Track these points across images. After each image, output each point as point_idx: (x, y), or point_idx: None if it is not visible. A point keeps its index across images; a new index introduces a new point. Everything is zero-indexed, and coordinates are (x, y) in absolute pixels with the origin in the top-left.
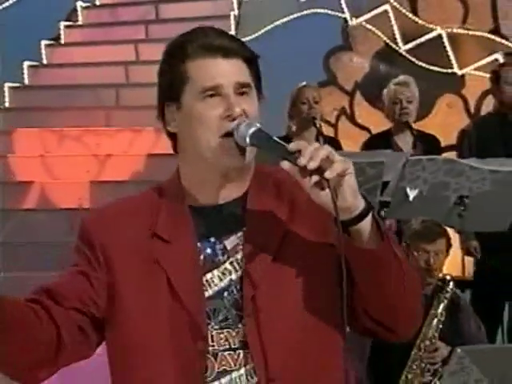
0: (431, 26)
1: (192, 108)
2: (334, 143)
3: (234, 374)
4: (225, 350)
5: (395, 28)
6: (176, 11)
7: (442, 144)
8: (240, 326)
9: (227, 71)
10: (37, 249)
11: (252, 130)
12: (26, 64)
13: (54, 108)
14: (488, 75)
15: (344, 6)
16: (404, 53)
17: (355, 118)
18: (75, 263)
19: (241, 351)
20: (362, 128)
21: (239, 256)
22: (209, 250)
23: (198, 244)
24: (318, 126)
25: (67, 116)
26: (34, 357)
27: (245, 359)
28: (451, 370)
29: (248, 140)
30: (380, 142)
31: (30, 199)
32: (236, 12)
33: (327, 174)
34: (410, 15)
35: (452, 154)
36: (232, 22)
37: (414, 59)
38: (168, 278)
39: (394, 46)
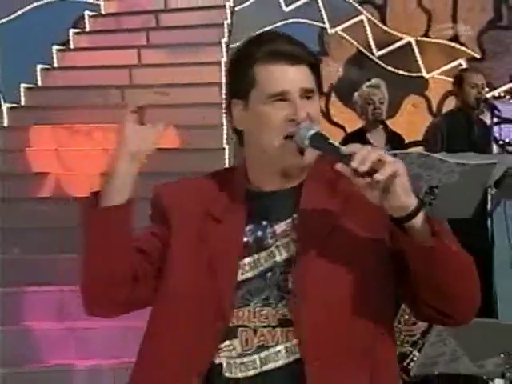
0: (400, 34)
1: (258, 110)
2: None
3: (271, 350)
4: (264, 327)
5: (370, 36)
6: (174, 19)
7: (407, 140)
8: (280, 305)
9: (294, 78)
10: (51, 233)
11: (311, 132)
12: (39, 67)
13: (65, 107)
14: (449, 79)
15: (324, 16)
16: (375, 59)
17: (331, 117)
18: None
19: (278, 329)
20: (337, 126)
21: (285, 240)
22: (260, 233)
23: (251, 226)
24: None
25: (77, 114)
26: (121, 273)
27: (282, 337)
28: (431, 341)
29: (307, 142)
30: (355, 139)
31: (45, 189)
32: (229, 21)
33: (377, 177)
34: (381, 25)
35: (417, 150)
36: (225, 30)
37: (384, 65)
38: (210, 256)
39: (368, 52)
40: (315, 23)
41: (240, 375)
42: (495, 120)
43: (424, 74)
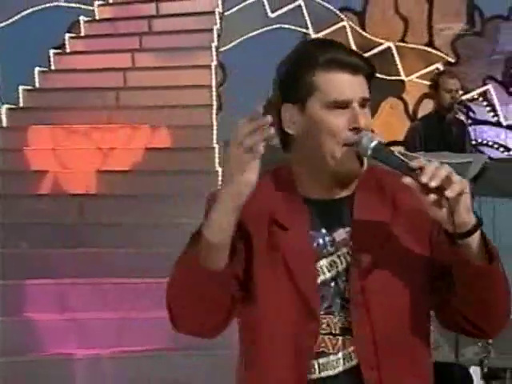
0: (378, 40)
1: (318, 116)
2: None
3: (332, 357)
4: (325, 334)
5: (351, 41)
6: (166, 25)
7: (386, 140)
8: (342, 314)
9: (355, 87)
10: (50, 229)
11: (374, 143)
12: (36, 69)
13: (62, 108)
14: (426, 82)
15: (308, 22)
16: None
17: None
18: None
19: (340, 337)
20: None
21: (345, 250)
22: (320, 240)
23: (312, 233)
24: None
25: (74, 115)
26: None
27: (343, 344)
28: None
29: (370, 152)
30: None
31: (44, 186)
32: (218, 26)
33: (448, 193)
34: (361, 31)
35: (397, 149)
36: (215, 34)
37: None
38: (286, 263)
39: None
40: (299, 29)
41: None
42: (469, 121)
43: (403, 77)
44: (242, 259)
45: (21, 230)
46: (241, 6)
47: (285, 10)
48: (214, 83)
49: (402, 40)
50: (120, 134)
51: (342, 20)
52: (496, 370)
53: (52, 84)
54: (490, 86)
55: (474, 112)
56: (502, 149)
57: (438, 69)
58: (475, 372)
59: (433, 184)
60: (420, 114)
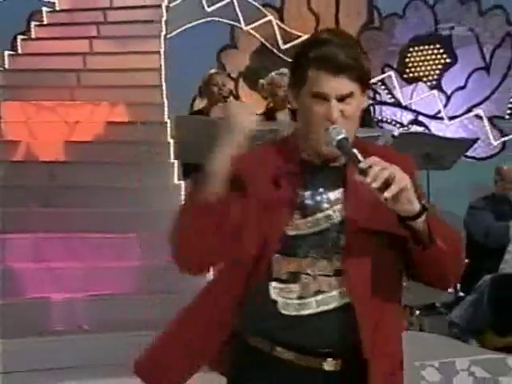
0: (295, 32)
1: (305, 102)
2: None
3: (327, 294)
4: (321, 275)
5: (277, 34)
6: (120, 16)
7: None
8: (334, 258)
9: (333, 84)
10: (24, 191)
11: (340, 137)
12: (6, 53)
13: (30, 86)
14: None
15: (240, 16)
16: (276, 51)
17: (240, 98)
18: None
19: (333, 278)
20: None
21: (339, 207)
22: (318, 198)
23: (310, 192)
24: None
25: (41, 93)
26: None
27: (336, 284)
28: None
29: (335, 143)
30: (265, 115)
31: (18, 154)
32: (165, 17)
33: (385, 195)
34: (281, 24)
35: None
36: (163, 24)
37: (284, 57)
38: (264, 211)
39: (275, 46)
40: (231, 22)
41: (295, 313)
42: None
43: None
44: (238, 210)
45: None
46: None
47: (219, 5)
48: (163, 67)
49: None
50: (83, 109)
51: (265, 16)
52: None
53: (20, 66)
54: (390, 73)
55: (380, 94)
56: (398, 125)
57: None
58: None
59: (374, 186)
60: None
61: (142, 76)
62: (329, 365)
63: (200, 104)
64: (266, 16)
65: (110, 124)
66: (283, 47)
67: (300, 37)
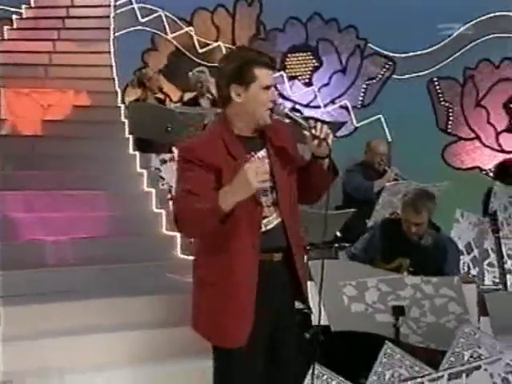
0: (206, 41)
1: (257, 93)
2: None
3: (269, 218)
4: (267, 206)
5: (195, 41)
6: (76, 23)
7: None
8: (269, 195)
9: (271, 78)
10: (13, 158)
11: (286, 110)
12: None
13: (7, 77)
14: None
15: (167, 26)
16: (189, 54)
17: (162, 90)
18: (190, 169)
19: (272, 207)
20: (166, 95)
21: (266, 161)
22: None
23: (247, 155)
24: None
25: (17, 82)
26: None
27: (273, 211)
28: None
29: (284, 114)
30: (191, 103)
31: (5, 129)
32: (113, 25)
33: (322, 135)
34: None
35: None
36: (111, 31)
37: (197, 60)
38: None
39: (192, 50)
40: (157, 32)
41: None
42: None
43: None
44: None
45: None
46: (123, 9)
47: (151, 17)
48: (113, 64)
49: (216, 41)
50: (53, 95)
51: (187, 27)
52: None
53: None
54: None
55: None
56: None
57: None
58: None
59: (319, 134)
60: None
61: (98, 70)
62: (276, 257)
63: (131, 92)
64: (182, 28)
65: (76, 107)
66: (200, 51)
67: (208, 44)
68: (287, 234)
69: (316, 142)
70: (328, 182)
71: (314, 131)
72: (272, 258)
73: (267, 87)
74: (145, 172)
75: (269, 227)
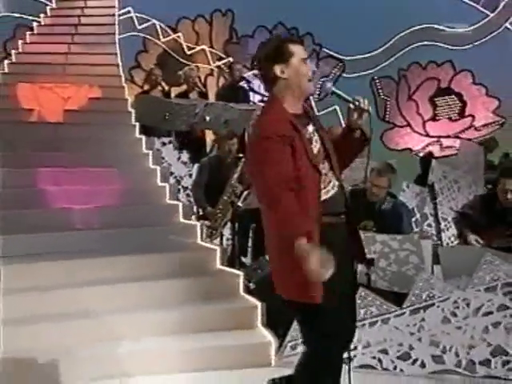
0: (191, 45)
1: (298, 66)
2: (206, 96)
3: (330, 184)
4: (323, 174)
5: (183, 44)
6: (88, 29)
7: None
8: (325, 163)
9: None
10: (39, 141)
11: (333, 88)
12: (13, 52)
13: (31, 74)
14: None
15: (159, 33)
16: (178, 57)
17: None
18: (279, 148)
19: (329, 173)
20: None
21: (316, 133)
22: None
23: (304, 129)
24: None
25: (39, 78)
26: None
27: (331, 176)
28: None
29: (330, 91)
30: (182, 96)
31: (32, 117)
32: (117, 32)
33: (366, 108)
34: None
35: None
36: (116, 36)
37: (183, 60)
38: (305, 148)
39: (177, 52)
40: (151, 38)
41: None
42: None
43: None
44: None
45: (23, 141)
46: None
47: (147, 24)
48: (120, 63)
49: (197, 44)
50: (72, 89)
51: (174, 34)
52: None
53: (23, 60)
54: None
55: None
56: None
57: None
58: None
59: (365, 107)
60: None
61: (108, 68)
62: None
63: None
64: (171, 34)
65: (90, 99)
66: (188, 53)
67: (193, 48)
68: (346, 196)
69: (357, 113)
70: (360, 149)
71: (357, 103)
72: (340, 220)
73: (304, 59)
74: (150, 152)
75: (331, 193)
